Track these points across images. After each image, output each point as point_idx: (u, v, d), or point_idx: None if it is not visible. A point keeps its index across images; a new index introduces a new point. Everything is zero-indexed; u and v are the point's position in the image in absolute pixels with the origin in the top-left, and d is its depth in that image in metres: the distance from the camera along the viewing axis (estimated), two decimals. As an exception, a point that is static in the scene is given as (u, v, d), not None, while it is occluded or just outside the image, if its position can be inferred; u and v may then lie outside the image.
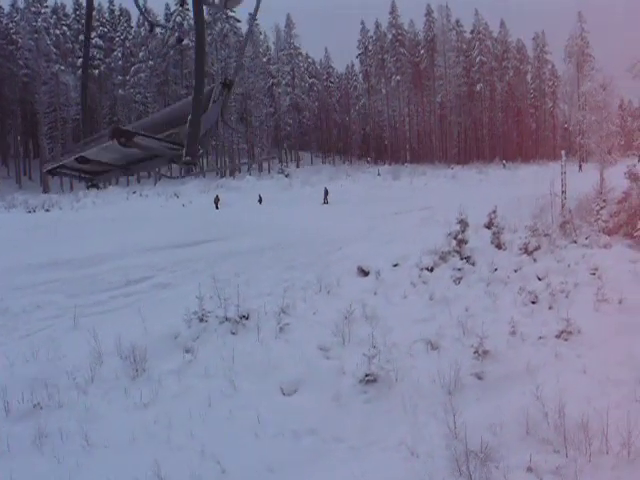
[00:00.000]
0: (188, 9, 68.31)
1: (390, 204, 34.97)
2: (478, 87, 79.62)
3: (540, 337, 13.19)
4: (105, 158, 2.92)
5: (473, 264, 19.70)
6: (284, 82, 75.68)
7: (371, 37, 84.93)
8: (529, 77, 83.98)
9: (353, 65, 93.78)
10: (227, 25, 67.49)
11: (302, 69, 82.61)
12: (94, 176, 3.30)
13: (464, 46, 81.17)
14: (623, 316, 13.98)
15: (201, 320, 14.47)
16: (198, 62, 2.79)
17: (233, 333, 14.41)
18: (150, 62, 62.61)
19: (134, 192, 54.42)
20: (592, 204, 25.79)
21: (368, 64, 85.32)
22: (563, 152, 29.12)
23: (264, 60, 79.16)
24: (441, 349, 12.87)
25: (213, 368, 12.03)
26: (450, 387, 10.95)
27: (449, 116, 79.78)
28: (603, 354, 12.14)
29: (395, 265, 19.31)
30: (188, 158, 2.56)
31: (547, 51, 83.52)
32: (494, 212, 24.64)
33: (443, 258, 19.75)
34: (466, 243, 20.14)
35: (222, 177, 66.34)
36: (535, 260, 19.25)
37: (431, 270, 19.12)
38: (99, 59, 63.48)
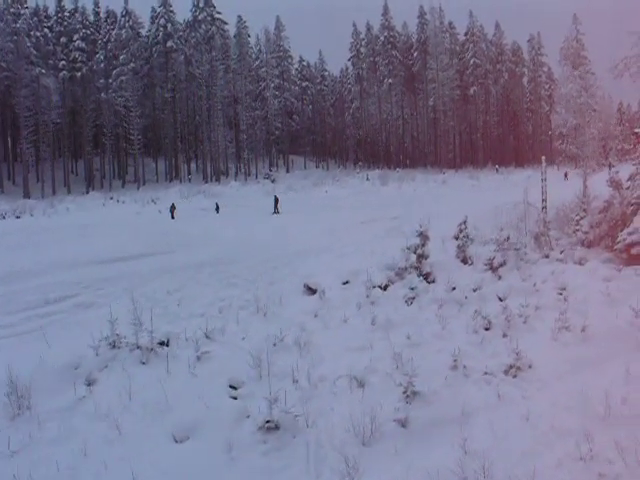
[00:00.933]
0: (172, 11, 67.10)
1: (364, 211, 33.31)
2: (472, 90, 77.84)
3: (485, 373, 11.47)
4: None
5: (433, 281, 17.96)
6: (272, 85, 74.03)
7: (363, 39, 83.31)
8: (525, 80, 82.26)
9: (347, 68, 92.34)
10: (213, 27, 65.94)
11: (292, 72, 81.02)
12: None
13: (457, 48, 79.48)
14: (583, 347, 12.24)
15: (113, 346, 12.77)
16: None
17: (143, 363, 12.68)
18: (132, 64, 61.02)
19: (111, 198, 52.81)
20: (572, 214, 24.06)
21: (360, 67, 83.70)
22: (543, 158, 27.33)
23: (256, 63, 77.69)
24: (368, 387, 11.17)
25: (106, 406, 10.34)
26: (365, 437, 9.29)
27: (442, 120, 77.98)
28: (553, 395, 10.44)
29: (345, 283, 17.57)
30: None
31: (543, 53, 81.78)
32: (464, 223, 22.90)
33: (399, 274, 18.01)
34: (426, 258, 18.39)
35: (207, 182, 64.74)
36: (500, 277, 17.48)
37: (384, 288, 17.39)
38: (81, 62, 62.02)
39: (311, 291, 17.54)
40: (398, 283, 17.50)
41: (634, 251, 20.54)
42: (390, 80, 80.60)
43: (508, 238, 21.67)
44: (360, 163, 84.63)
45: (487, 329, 13.54)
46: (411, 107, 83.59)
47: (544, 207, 27.35)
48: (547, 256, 19.40)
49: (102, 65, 61.63)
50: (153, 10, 66.97)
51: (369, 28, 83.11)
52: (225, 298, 17.02)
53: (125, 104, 62.09)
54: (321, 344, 13.70)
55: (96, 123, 64.05)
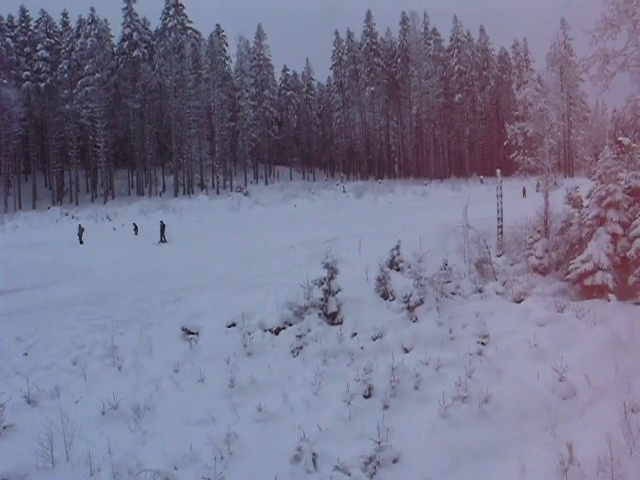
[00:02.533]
0: (138, 20, 64.68)
1: (311, 230, 30.45)
2: (457, 98, 75.05)
3: (337, 467, 8.59)
4: None
5: (340, 322, 15.03)
6: (248, 95, 71.39)
7: (345, 47, 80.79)
8: (514, 86, 79.62)
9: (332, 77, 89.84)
10: (184, 36, 63.43)
11: (272, 81, 78.41)
12: None
13: (441, 55, 76.81)
14: (477, 429, 9.38)
15: None
16: None
17: None
18: (97, 75, 58.51)
19: (67, 214, 50.14)
20: (526, 236, 21.14)
21: (343, 75, 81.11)
22: (498, 171, 24.44)
23: (232, 72, 75.20)
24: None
25: None
26: None
27: (425, 129, 75.18)
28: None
29: (231, 325, 14.65)
30: None
31: (530, 59, 79.14)
32: (397, 248, 20.00)
33: (299, 314, 15.10)
34: (334, 294, 15.46)
35: (177, 196, 62.04)
36: (416, 319, 14.53)
37: (277, 332, 14.48)
38: (46, 72, 59.61)
39: (190, 335, 14.65)
40: (295, 326, 14.59)
41: (587, 282, 17.55)
42: (372, 88, 77.78)
43: (446, 266, 18.82)
44: (342, 174, 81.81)
45: (367, 397, 10.60)
46: (396, 116, 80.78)
47: (500, 227, 24.43)
48: (480, 290, 16.39)
49: (66, 75, 59.11)
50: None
51: (350, 35, 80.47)
52: (86, 345, 14.19)
53: (91, 115, 59.49)
54: (159, 414, 10.87)
55: (61, 136, 61.46)
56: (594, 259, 16.96)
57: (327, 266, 15.50)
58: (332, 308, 15.17)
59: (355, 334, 13.67)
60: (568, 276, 17.84)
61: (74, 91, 58.92)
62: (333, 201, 54.63)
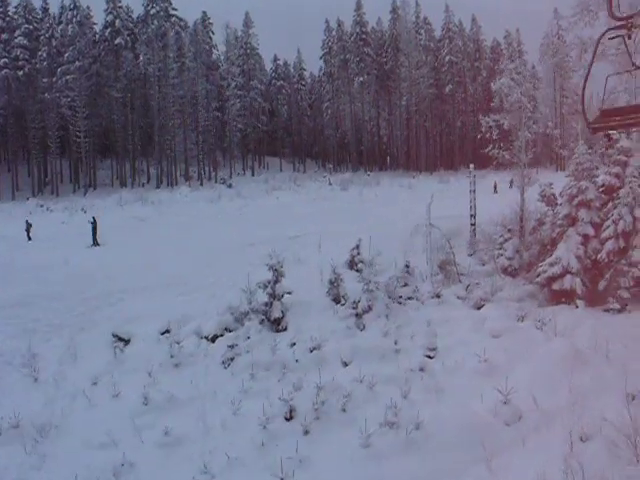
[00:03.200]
0: (121, 6, 63.10)
1: (283, 225, 29.27)
2: (447, 89, 73.63)
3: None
4: None
5: (284, 329, 13.95)
6: (233, 85, 69.83)
7: (334, 36, 79.21)
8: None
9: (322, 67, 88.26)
10: (167, 24, 61.83)
11: (259, 70, 76.78)
12: None
13: (432, 45, 75.31)
14: (400, 463, 8.26)
15: None
16: None
17: None
18: (77, 63, 56.95)
19: (41, 206, 48.84)
20: (496, 235, 20.03)
21: (332, 65, 79.59)
22: (471, 166, 23.32)
23: (218, 61, 73.65)
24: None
25: None
26: None
27: (416, 120, 73.80)
28: None
29: (165, 332, 13.54)
30: None
31: (524, 51, 77.60)
32: (357, 247, 18.90)
33: (240, 320, 14.00)
34: (279, 298, 14.36)
35: (158, 187, 60.80)
36: (364, 327, 13.44)
37: (213, 340, 13.38)
38: (24, 59, 58.04)
39: (121, 342, 13.54)
40: (234, 333, 13.49)
41: (556, 286, 16.46)
42: (361, 78, 76.26)
43: (408, 268, 17.73)
44: (331, 166, 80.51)
45: (288, 419, 9.53)
46: (386, 107, 79.34)
47: (473, 224, 23.31)
48: (438, 295, 15.30)
49: (46, 63, 57.56)
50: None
51: (340, 24, 78.81)
52: (6, 352, 13.09)
53: (71, 105, 58.02)
54: (71, 431, 9.87)
55: (41, 125, 60.00)
56: (563, 262, 15.91)
57: (272, 268, 14.39)
58: (276, 314, 14.08)
59: (294, 344, 12.60)
60: (537, 279, 16.80)
61: (54, 79, 57.39)
62: (317, 194, 53.34)
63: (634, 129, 11.61)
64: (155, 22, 59.71)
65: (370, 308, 13.70)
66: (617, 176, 16.28)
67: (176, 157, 64.94)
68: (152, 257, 21.20)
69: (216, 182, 64.78)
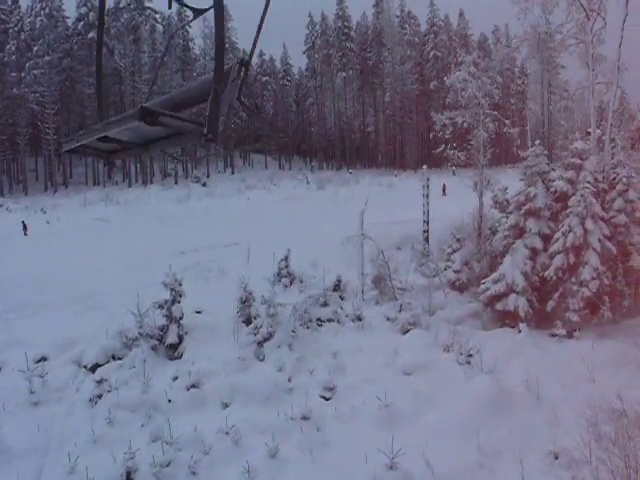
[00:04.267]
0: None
1: (235, 229, 27.56)
2: (432, 85, 71.69)
3: None
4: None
5: (179, 357, 12.15)
6: (210, 80, 67.73)
7: (318, 31, 77.21)
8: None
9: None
10: (141, 17, 59.71)
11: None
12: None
13: (416, 40, 73.34)
14: None
15: None
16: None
17: None
18: (47, 57, 54.85)
19: (0, 205, 47.00)
20: (446, 245, 18.19)
21: (316, 60, 77.59)
22: (424, 167, 21.52)
23: (199, 56, 71.54)
24: None
25: None
26: None
27: (399, 117, 71.85)
28: None
29: (41, 360, 11.67)
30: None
31: (510, 46, 75.40)
32: (285, 259, 17.09)
33: (129, 346, 12.15)
34: (177, 321, 12.53)
35: (130, 186, 58.83)
36: (264, 357, 11.60)
37: (94, 370, 11.50)
38: (-9, 53, 55.94)
39: (-11, 375, 11.70)
40: (116, 362, 11.64)
41: (499, 306, 14.61)
42: (344, 74, 74.26)
43: (339, 283, 15.92)
44: (313, 164, 78.68)
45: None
46: (371, 103, 77.32)
47: (425, 232, 21.46)
48: (359, 318, 13.42)
49: (14, 57, 55.51)
50: (80, -4, 60.84)
51: (324, 18, 76.76)
52: None
53: (40, 100, 55.96)
54: None
55: (10, 122, 57.92)
56: (507, 279, 14.11)
57: (168, 286, 12.55)
58: (171, 339, 12.28)
59: (176, 378, 10.75)
60: (479, 297, 15.00)
61: (22, 74, 55.33)
62: (291, 193, 51.52)
63: None
64: (125, 15, 57.52)
65: (271, 335, 11.87)
66: (570, 181, 14.47)
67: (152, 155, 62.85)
68: (70, 267, 19.34)
69: (195, 180, 62.77)
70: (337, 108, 76.85)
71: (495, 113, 20.30)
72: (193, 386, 10.21)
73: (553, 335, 13.26)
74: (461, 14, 77.29)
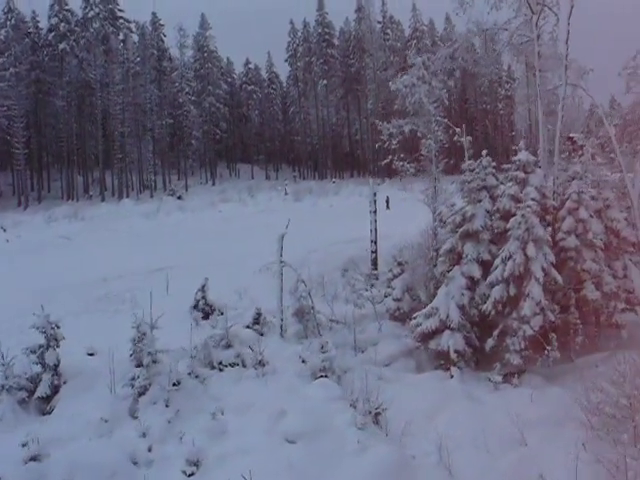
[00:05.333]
0: (69, 10, 59.24)
1: (199, 245, 25.97)
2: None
3: None
4: None
5: (50, 412, 10.19)
6: (186, 90, 66.09)
7: (300, 38, 75.59)
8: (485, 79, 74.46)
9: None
10: (110, 27, 57.98)
11: (215, 75, 72.93)
12: None
13: (399, 45, 71.75)
14: None
15: None
16: None
17: None
18: (12, 69, 53.12)
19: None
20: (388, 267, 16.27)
21: (297, 68, 75.95)
22: (371, 181, 19.67)
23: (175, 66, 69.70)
24: None
25: None
26: None
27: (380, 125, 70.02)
28: None
29: None
30: None
31: (496, 50, 73.65)
32: (202, 289, 15.17)
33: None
34: (53, 368, 10.56)
35: (103, 200, 57.02)
36: (136, 414, 9.66)
37: None
38: (-45, 66, 54.26)
39: None
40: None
41: (433, 345, 12.68)
42: (325, 81, 72.61)
43: (259, 317, 13.98)
44: (295, 173, 77.02)
45: None
46: (355, 111, 75.59)
47: (374, 252, 19.51)
48: (262, 363, 11.39)
49: (-21, 70, 53.87)
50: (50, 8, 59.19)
51: (306, 25, 75.16)
52: None
53: (7, 114, 54.24)
54: None
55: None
56: (441, 313, 12.14)
57: (40, 329, 10.64)
58: (41, 391, 10.33)
59: (25, 444, 8.78)
60: (413, 334, 13.04)
61: (-13, 87, 53.67)
62: (266, 205, 49.61)
63: None
64: (94, 25, 55.82)
65: (146, 389, 9.91)
66: (514, 198, 12.54)
67: (127, 167, 61.13)
68: None
69: (170, 193, 60.88)
70: (320, 116, 75.09)
71: (445, 120, 18.37)
72: (33, 459, 8.24)
73: (491, 380, 11.30)
74: (447, 19, 75.65)
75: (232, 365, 11.70)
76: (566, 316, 12.17)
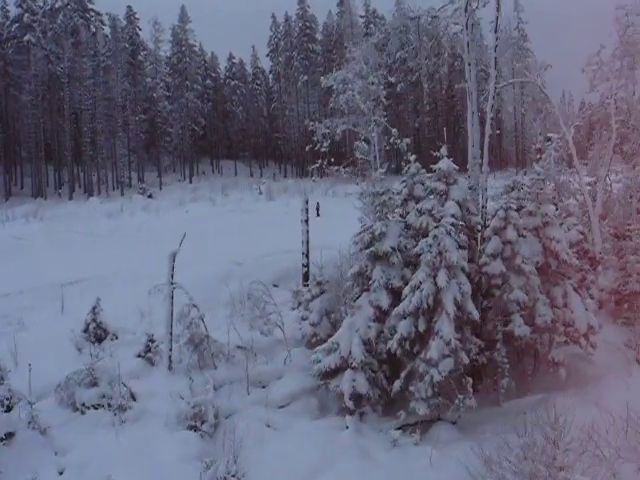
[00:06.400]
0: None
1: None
2: (399, 87, 68.09)
3: None
4: None
5: None
6: (160, 86, 63.96)
7: (281, 32, 73.52)
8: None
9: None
10: (80, 20, 55.74)
11: (193, 69, 70.68)
12: None
13: (382, 39, 69.94)
14: None
15: None
16: None
17: None
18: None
19: None
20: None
21: (279, 62, 73.89)
22: (304, 189, 17.82)
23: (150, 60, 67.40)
24: None
25: None
26: None
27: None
28: None
29: None
30: None
31: (485, 45, 71.81)
32: (94, 309, 13.28)
33: None
34: None
35: (71, 198, 55.06)
36: None
37: None
38: None
39: None
40: None
41: (333, 385, 10.74)
42: (305, 77, 70.59)
43: (149, 347, 12.14)
44: (276, 170, 75.11)
45: None
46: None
47: (305, 266, 17.62)
48: (123, 408, 9.54)
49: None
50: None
51: (287, 19, 73.10)
52: None
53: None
54: None
55: None
56: (342, 349, 10.32)
57: None
58: None
59: None
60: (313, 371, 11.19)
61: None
62: (237, 205, 47.60)
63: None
64: (61, 16, 53.61)
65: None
66: (431, 214, 10.70)
67: (99, 164, 59.10)
68: None
69: (141, 191, 58.78)
70: (301, 112, 73.10)
71: (382, 120, 16.50)
72: None
73: (399, 429, 9.52)
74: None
75: (95, 407, 9.89)
76: (491, 354, 10.37)
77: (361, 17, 71.51)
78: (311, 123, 17.23)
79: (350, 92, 15.76)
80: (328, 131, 16.61)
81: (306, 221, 17.29)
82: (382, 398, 10.42)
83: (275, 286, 17.95)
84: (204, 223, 38.64)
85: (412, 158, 12.67)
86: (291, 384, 11.41)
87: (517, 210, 11.63)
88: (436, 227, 9.64)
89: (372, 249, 10.59)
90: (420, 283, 9.60)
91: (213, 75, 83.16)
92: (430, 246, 9.55)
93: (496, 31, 12.91)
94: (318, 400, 11.10)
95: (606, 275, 15.92)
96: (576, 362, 11.73)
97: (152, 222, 42.05)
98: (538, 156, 21.26)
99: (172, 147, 70.76)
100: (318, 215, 31.69)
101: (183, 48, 69.86)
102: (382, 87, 17.34)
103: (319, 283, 13.76)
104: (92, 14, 59.38)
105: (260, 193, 55.22)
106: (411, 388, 9.47)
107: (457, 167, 11.01)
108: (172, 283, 12.31)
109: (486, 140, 12.37)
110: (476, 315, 9.52)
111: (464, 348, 9.52)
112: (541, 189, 11.48)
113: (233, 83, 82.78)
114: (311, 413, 10.79)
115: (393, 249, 10.47)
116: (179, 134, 67.19)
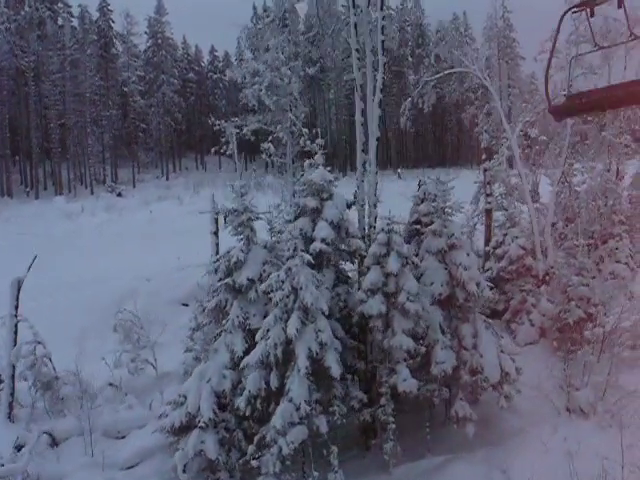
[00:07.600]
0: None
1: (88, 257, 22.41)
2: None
3: None
4: None
5: None
6: (132, 79, 61.79)
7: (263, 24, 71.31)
8: (457, 68, 70.20)
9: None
10: (47, 11, 53.58)
11: (170, 62, 68.35)
12: None
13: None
14: None
15: None
16: None
17: None
18: None
19: None
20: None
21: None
22: (212, 194, 16.07)
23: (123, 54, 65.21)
24: None
25: None
26: None
27: (345, 117, 66.10)
28: None
29: None
30: None
31: (472, 35, 69.68)
32: None
33: None
34: None
35: (37, 197, 53.14)
36: None
37: None
38: None
39: None
40: None
41: (182, 445, 8.93)
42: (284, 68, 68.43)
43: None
44: (254, 166, 72.77)
45: None
46: (319, 102, 71.43)
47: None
48: None
49: None
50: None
51: (266, 9, 70.69)
52: None
53: None
54: None
55: None
56: (189, 404, 8.41)
57: None
58: None
59: None
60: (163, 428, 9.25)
61: None
62: (204, 204, 45.62)
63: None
64: (26, 8, 51.39)
65: None
66: (305, 237, 8.74)
67: (68, 161, 57.08)
68: None
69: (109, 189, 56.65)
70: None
71: (293, 118, 14.54)
72: None
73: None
74: (417, 3, 71.35)
75: None
76: (374, 411, 8.45)
77: (343, 7, 68.79)
78: (217, 122, 15.19)
79: (257, 86, 13.77)
80: (237, 131, 14.64)
81: (215, 233, 15.37)
82: (241, 463, 8.51)
83: (185, 305, 16.09)
84: (163, 225, 36.86)
85: (307, 163, 10.60)
86: (146, 438, 9.52)
87: (426, 226, 9.75)
88: (290, 258, 7.67)
89: (228, 280, 8.64)
90: (268, 330, 7.67)
91: (197, 69, 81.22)
92: (282, 282, 7.60)
93: (382, 8, 10.88)
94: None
95: (554, 295, 13.95)
96: (494, 412, 9.81)
97: (111, 223, 40.14)
98: (484, 156, 19.34)
99: (153, 143, 68.75)
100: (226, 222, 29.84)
101: (159, 41, 67.60)
102: (296, 82, 15.20)
103: (204, 310, 11.83)
104: (60, 5, 57.17)
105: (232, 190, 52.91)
106: (260, 460, 7.55)
107: (337, 177, 9.06)
108: (15, 315, 10.38)
109: (372, 143, 10.35)
110: (336, 372, 7.54)
111: (325, 411, 7.57)
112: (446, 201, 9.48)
113: (216, 76, 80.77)
114: (162, 477, 8.90)
115: (251, 281, 8.51)
116: (158, 130, 65.14)
